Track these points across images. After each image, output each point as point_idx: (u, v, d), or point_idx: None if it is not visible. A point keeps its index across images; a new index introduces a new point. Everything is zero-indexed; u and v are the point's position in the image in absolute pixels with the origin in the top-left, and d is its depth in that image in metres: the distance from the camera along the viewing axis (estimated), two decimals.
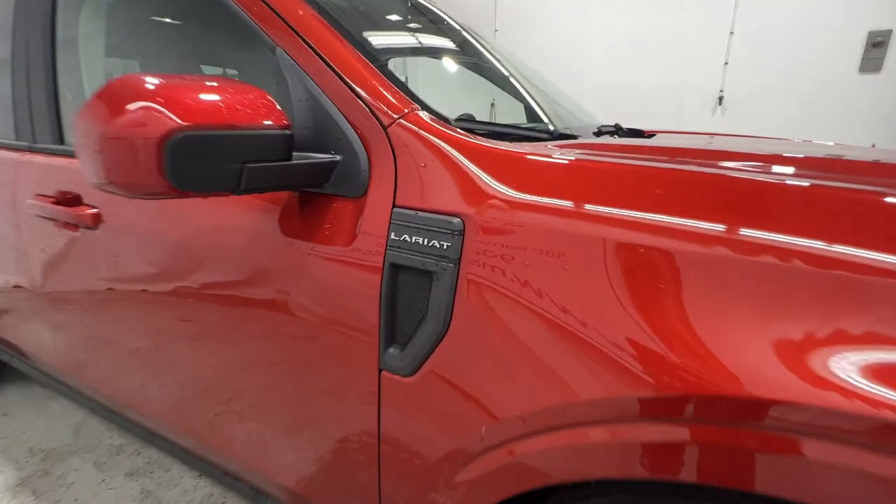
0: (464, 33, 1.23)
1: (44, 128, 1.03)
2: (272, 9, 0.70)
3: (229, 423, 0.84)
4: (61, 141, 1.03)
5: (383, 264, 0.58)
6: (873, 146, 3.98)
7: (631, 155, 0.60)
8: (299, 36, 0.67)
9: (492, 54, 1.24)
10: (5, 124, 1.14)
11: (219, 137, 0.52)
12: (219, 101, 0.53)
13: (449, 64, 1.16)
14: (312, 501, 0.80)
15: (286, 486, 0.84)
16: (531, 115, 1.22)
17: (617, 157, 0.56)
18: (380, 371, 0.61)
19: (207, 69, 1.13)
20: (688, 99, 4.50)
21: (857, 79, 4.03)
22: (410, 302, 0.57)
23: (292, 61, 0.67)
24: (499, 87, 1.24)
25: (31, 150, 1.05)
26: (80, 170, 0.58)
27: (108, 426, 1.72)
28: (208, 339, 0.79)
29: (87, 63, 1.05)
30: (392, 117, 0.62)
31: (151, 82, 0.51)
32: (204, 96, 0.52)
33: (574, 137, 0.81)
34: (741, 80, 4.32)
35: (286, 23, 0.68)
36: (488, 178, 0.55)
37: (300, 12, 0.69)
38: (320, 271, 0.63)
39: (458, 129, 0.61)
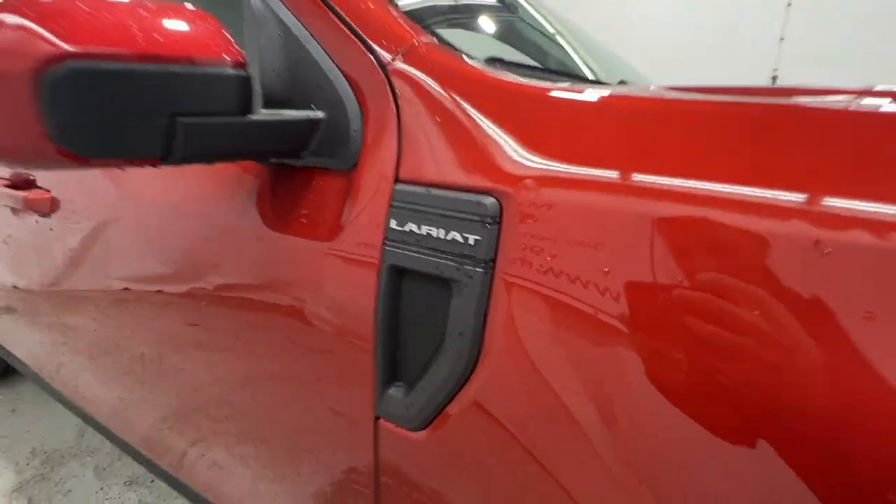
0: None
1: None
2: None
3: (182, 444, 0.68)
4: None
5: (380, 267, 0.39)
6: None
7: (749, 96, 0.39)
8: None
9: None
10: None
11: (130, 73, 0.35)
12: (133, 19, 0.35)
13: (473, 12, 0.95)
14: None
15: None
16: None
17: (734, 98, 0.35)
18: (376, 419, 0.43)
19: None
20: (740, 77, 4.11)
21: None
22: (419, 322, 0.39)
23: None
24: (539, 42, 1.02)
25: None
26: None
27: None
28: (167, 343, 0.63)
29: None
30: (394, 51, 0.42)
31: None
32: (109, 12, 0.35)
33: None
34: (798, 57, 3.91)
35: None
36: (541, 135, 0.35)
37: None
38: (292, 274, 0.45)
39: (489, 68, 0.42)
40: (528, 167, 0.35)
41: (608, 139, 0.34)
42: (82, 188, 0.68)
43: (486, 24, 0.86)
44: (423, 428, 0.40)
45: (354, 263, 0.41)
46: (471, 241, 0.35)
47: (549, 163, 0.34)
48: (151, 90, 0.36)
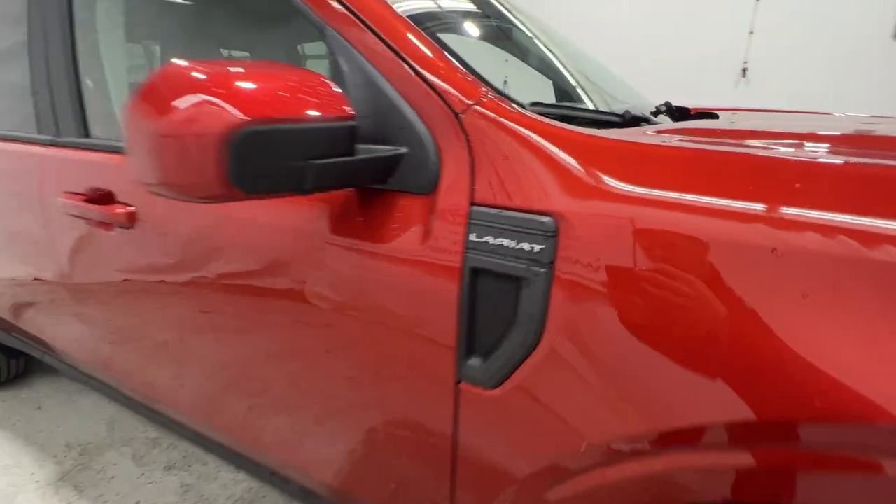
0: (499, 5, 1.14)
1: (68, 121, 0.98)
2: None
3: (289, 425, 0.81)
4: (86, 134, 0.98)
5: (462, 268, 0.53)
6: None
7: (747, 141, 0.53)
8: (354, 15, 0.61)
9: (529, 28, 1.15)
10: (25, 116, 1.09)
11: (285, 132, 0.47)
12: (281, 89, 0.47)
13: (484, 37, 1.08)
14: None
15: (340, 490, 0.81)
16: (564, 92, 1.13)
17: (734, 145, 0.50)
18: (457, 382, 0.56)
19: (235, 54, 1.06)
20: (710, 70, 4.30)
21: (891, 45, 3.83)
22: (494, 309, 0.52)
23: (346, 43, 0.61)
24: (540, 62, 1.15)
25: (55, 144, 1.00)
26: (128, 169, 0.53)
27: (141, 420, 1.72)
28: (259, 347, 0.75)
29: (109, 49, 0.99)
30: (466, 104, 0.55)
31: (203, 71, 0.46)
32: (265, 85, 0.47)
33: (644, 120, 0.74)
34: (767, 50, 4.12)
35: (343, 3, 0.61)
36: (586, 169, 0.49)
37: None
38: (385, 275, 0.58)
39: (540, 116, 0.55)
40: (579, 195, 0.48)
41: (643, 174, 0.48)
42: (168, 204, 0.79)
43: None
44: (497, 387, 0.53)
45: (439, 266, 0.54)
46: (536, 249, 0.49)
47: (595, 192, 0.48)
48: (296, 142, 0.48)
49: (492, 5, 1.11)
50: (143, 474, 1.48)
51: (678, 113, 1.04)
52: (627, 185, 0.47)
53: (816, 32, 3.88)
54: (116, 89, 0.99)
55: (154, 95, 0.46)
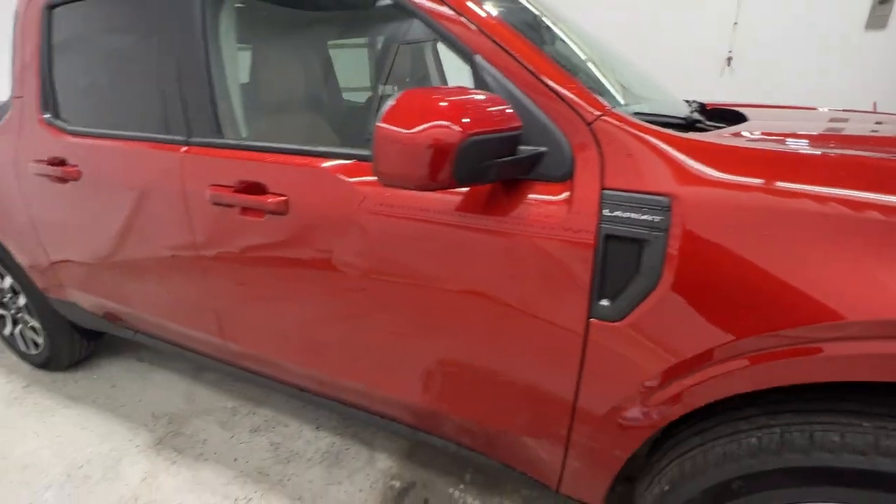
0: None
1: (202, 123, 1.13)
2: (471, 22, 0.82)
3: (430, 373, 1.00)
4: (220, 135, 1.13)
5: (597, 234, 0.73)
6: (874, 105, 4.14)
7: (793, 141, 0.75)
8: (500, 46, 0.80)
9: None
10: (144, 118, 1.24)
11: (487, 140, 0.67)
12: (485, 110, 0.67)
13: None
14: (494, 429, 0.98)
15: (462, 421, 1.02)
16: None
17: (783, 144, 0.71)
18: (588, 319, 0.77)
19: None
20: (695, 60, 4.54)
21: (864, 36, 4.13)
22: (622, 264, 0.73)
23: (492, 67, 0.80)
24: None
25: (188, 143, 1.16)
26: (377, 169, 0.70)
27: (216, 391, 1.89)
28: (419, 308, 0.93)
29: (238, 53, 1.13)
30: (594, 115, 0.75)
31: (435, 98, 0.66)
32: (472, 106, 0.66)
33: (700, 123, 0.96)
34: (750, 40, 4.37)
35: (486, 34, 0.80)
36: (693, 163, 0.70)
37: (495, 24, 0.81)
38: (532, 243, 0.78)
39: (651, 124, 0.76)
40: (683, 182, 0.69)
41: (732, 165, 0.69)
42: (320, 194, 0.96)
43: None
44: (622, 319, 0.75)
45: (578, 233, 0.75)
46: (656, 220, 0.70)
47: (700, 178, 0.69)
48: (489, 147, 0.68)
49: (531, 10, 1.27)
50: (232, 436, 1.66)
51: (710, 114, 1.25)
52: (721, 174, 0.68)
53: (797, 23, 4.16)
54: (253, 92, 1.13)
55: (400, 116, 0.64)
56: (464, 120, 0.64)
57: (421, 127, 0.63)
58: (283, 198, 1.00)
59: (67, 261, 1.57)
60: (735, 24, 4.34)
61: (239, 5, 1.15)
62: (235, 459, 1.56)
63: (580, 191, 0.75)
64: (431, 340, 0.95)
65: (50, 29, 1.40)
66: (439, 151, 0.63)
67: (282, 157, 1.02)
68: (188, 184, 1.13)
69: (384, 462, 1.53)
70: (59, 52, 1.40)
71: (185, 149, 1.15)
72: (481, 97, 0.69)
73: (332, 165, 0.96)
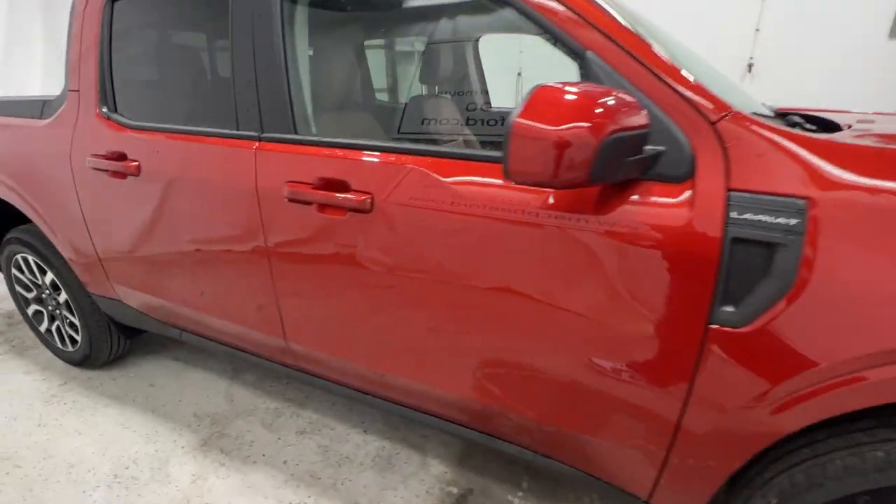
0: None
1: (277, 119, 1.11)
2: (583, 17, 0.79)
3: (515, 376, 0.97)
4: (295, 131, 1.11)
5: (722, 237, 0.71)
6: None
7: None
8: (616, 43, 0.78)
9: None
10: (209, 114, 1.22)
11: (624, 138, 0.64)
12: (619, 107, 0.64)
13: None
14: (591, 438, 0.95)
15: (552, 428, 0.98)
16: None
17: None
18: (707, 324, 0.74)
19: None
20: (717, 65, 4.51)
21: (887, 45, 4.12)
22: (749, 268, 0.70)
23: (606, 64, 0.78)
24: None
25: (261, 139, 1.14)
26: (510, 167, 0.68)
27: (256, 392, 1.86)
28: (514, 308, 0.90)
29: (310, 50, 1.11)
30: (718, 115, 0.73)
31: (579, 93, 0.64)
32: (613, 104, 0.64)
33: (800, 125, 0.93)
34: (772, 46, 4.36)
35: (600, 30, 0.78)
36: (826, 164, 0.67)
37: (608, 20, 0.79)
38: (647, 245, 0.76)
39: (777, 125, 0.73)
40: (827, 184, 0.67)
41: (872, 169, 0.66)
42: (407, 192, 0.94)
43: None
44: (745, 326, 0.72)
45: (703, 235, 0.72)
46: (792, 223, 0.67)
47: (841, 182, 0.67)
48: (625, 146, 0.66)
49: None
50: (279, 439, 1.63)
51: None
52: (857, 176, 0.66)
53: (819, 30, 4.15)
54: (328, 89, 1.11)
55: (538, 112, 0.62)
56: (605, 117, 0.62)
57: (568, 124, 0.61)
58: (367, 196, 0.98)
59: (118, 257, 1.55)
60: (757, 30, 4.33)
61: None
62: (285, 462, 1.53)
63: (703, 192, 0.73)
64: (524, 344, 0.93)
65: (112, 22, 1.38)
66: (582, 148, 0.61)
67: (367, 155, 1.00)
68: (262, 180, 1.11)
69: (437, 467, 1.51)
70: (120, 46, 1.38)
71: (258, 144, 1.13)
72: (612, 94, 0.67)
73: (424, 163, 0.94)
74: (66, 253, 1.67)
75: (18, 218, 1.95)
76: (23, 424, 1.71)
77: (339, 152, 1.02)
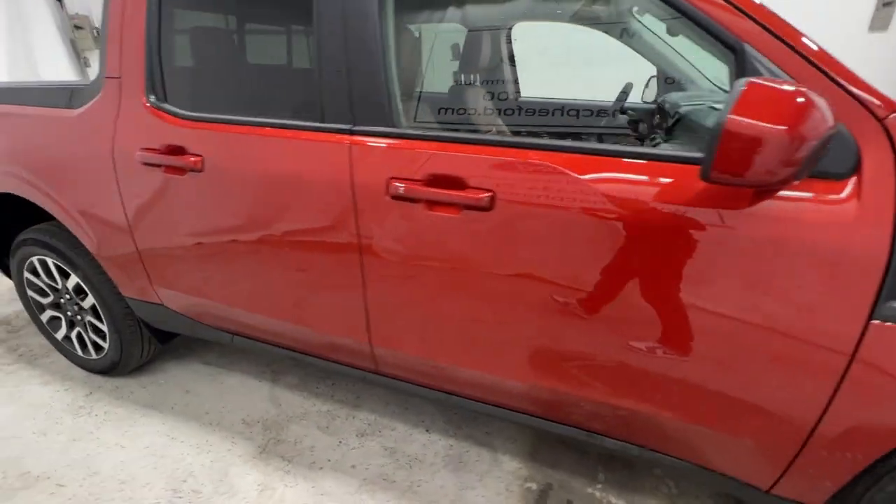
0: None
1: (372, 110, 1.04)
2: (742, 9, 0.78)
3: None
4: (393, 124, 1.05)
5: (893, 233, 0.71)
6: None
7: None
8: (776, 36, 0.76)
9: None
10: (283, 104, 1.14)
11: (828, 137, 0.64)
12: (822, 106, 0.63)
13: None
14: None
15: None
16: None
17: None
18: (868, 320, 0.75)
19: None
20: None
21: (867, 38, 4.29)
22: None
23: (765, 58, 0.77)
24: None
25: (353, 132, 1.07)
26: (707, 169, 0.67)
27: (302, 395, 1.79)
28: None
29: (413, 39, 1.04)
30: (886, 112, 0.73)
31: (791, 90, 0.62)
32: (819, 102, 0.63)
33: None
34: None
35: (760, 23, 0.77)
36: None
37: (768, 13, 0.78)
38: (807, 240, 0.76)
39: None
40: None
41: None
42: (529, 188, 0.90)
43: None
44: None
45: (872, 231, 0.72)
46: None
47: None
48: (825, 144, 0.65)
49: None
50: (340, 442, 1.58)
51: None
52: None
53: (799, 23, 4.28)
54: (435, 78, 1.03)
55: (753, 109, 0.60)
56: (819, 114, 0.61)
57: (792, 122, 0.59)
58: (488, 193, 0.94)
59: (166, 259, 1.44)
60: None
61: None
62: (353, 466, 1.49)
63: (871, 188, 0.73)
64: (676, 347, 0.91)
65: (161, 5, 1.26)
66: (804, 146, 0.60)
67: (487, 150, 0.95)
68: (359, 176, 1.04)
69: (510, 463, 1.50)
70: (171, 31, 1.27)
71: (352, 138, 1.06)
72: (809, 91, 0.65)
73: (556, 159, 0.90)
74: (100, 254, 1.54)
75: (29, 217, 1.80)
76: (55, 440, 1.59)
77: (453, 146, 0.97)
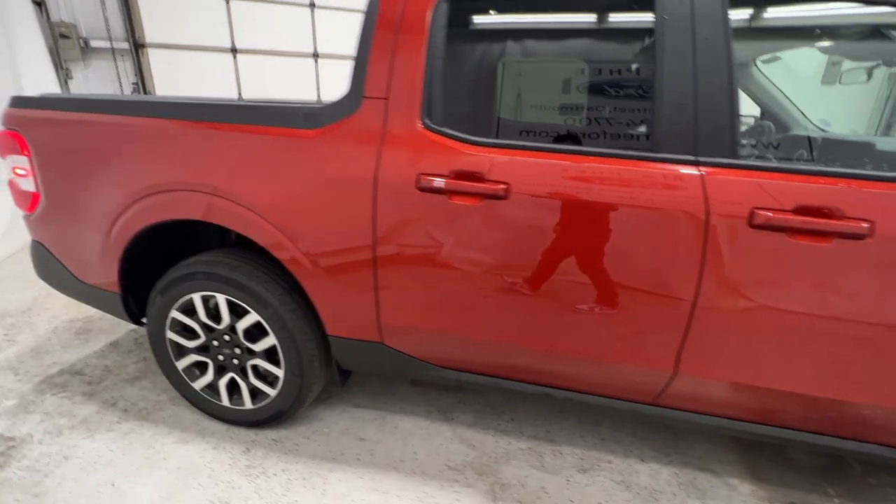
0: None
1: (713, 142, 1.07)
2: None
3: None
4: (735, 154, 1.08)
5: None
6: None
7: None
8: None
9: None
10: (604, 132, 1.14)
11: None
12: None
13: None
14: None
15: None
16: None
17: None
18: None
19: None
20: None
21: None
22: None
23: None
24: None
25: (698, 163, 1.08)
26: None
27: (489, 433, 1.69)
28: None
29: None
30: None
31: None
32: None
33: None
34: None
35: None
36: None
37: None
38: None
39: None
40: None
41: None
42: None
43: None
44: None
45: None
46: None
47: None
48: None
49: None
50: (568, 480, 1.51)
51: None
52: None
53: None
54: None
55: None
56: None
57: None
58: (866, 223, 1.00)
59: (414, 291, 1.32)
60: None
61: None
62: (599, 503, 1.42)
63: None
64: None
65: (448, 25, 1.21)
66: None
67: (856, 182, 1.02)
68: (718, 206, 1.06)
69: (743, 486, 1.52)
70: (455, 53, 1.21)
71: (706, 170, 1.08)
72: None
73: None
74: (318, 287, 1.38)
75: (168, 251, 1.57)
76: None
77: (823, 179, 1.03)
